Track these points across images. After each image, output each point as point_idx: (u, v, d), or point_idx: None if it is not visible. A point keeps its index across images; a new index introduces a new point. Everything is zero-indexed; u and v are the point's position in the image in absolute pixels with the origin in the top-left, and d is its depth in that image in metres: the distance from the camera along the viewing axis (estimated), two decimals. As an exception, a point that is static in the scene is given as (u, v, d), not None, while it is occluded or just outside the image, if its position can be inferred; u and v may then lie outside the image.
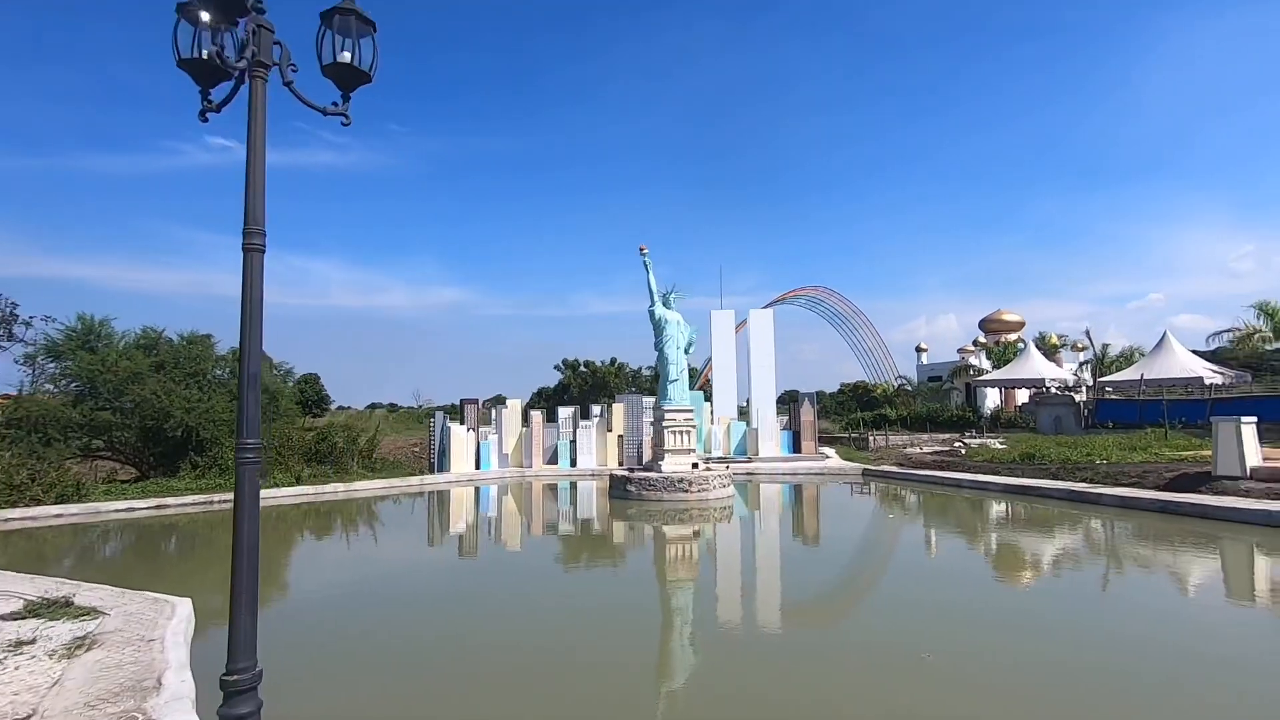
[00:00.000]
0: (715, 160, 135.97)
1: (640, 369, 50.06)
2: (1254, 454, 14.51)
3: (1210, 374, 29.49)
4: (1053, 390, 34.70)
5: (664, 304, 19.01)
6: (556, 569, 11.59)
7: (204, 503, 17.91)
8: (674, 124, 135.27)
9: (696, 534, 13.80)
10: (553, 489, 22.55)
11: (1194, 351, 34.01)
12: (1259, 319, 29.32)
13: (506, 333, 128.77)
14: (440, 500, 20.22)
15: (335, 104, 4.18)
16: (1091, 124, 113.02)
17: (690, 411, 18.79)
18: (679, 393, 18.73)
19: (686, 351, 19.10)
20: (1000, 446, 27.42)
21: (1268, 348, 29.31)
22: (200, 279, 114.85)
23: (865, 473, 24.09)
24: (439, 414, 25.88)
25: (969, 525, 15.25)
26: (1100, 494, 15.43)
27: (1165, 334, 31.68)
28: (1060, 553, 11.55)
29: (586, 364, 44.72)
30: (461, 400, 27.03)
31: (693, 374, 31.08)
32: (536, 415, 27.21)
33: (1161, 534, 12.55)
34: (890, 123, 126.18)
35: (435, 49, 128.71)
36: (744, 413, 30.03)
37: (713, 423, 28.93)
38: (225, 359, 24.67)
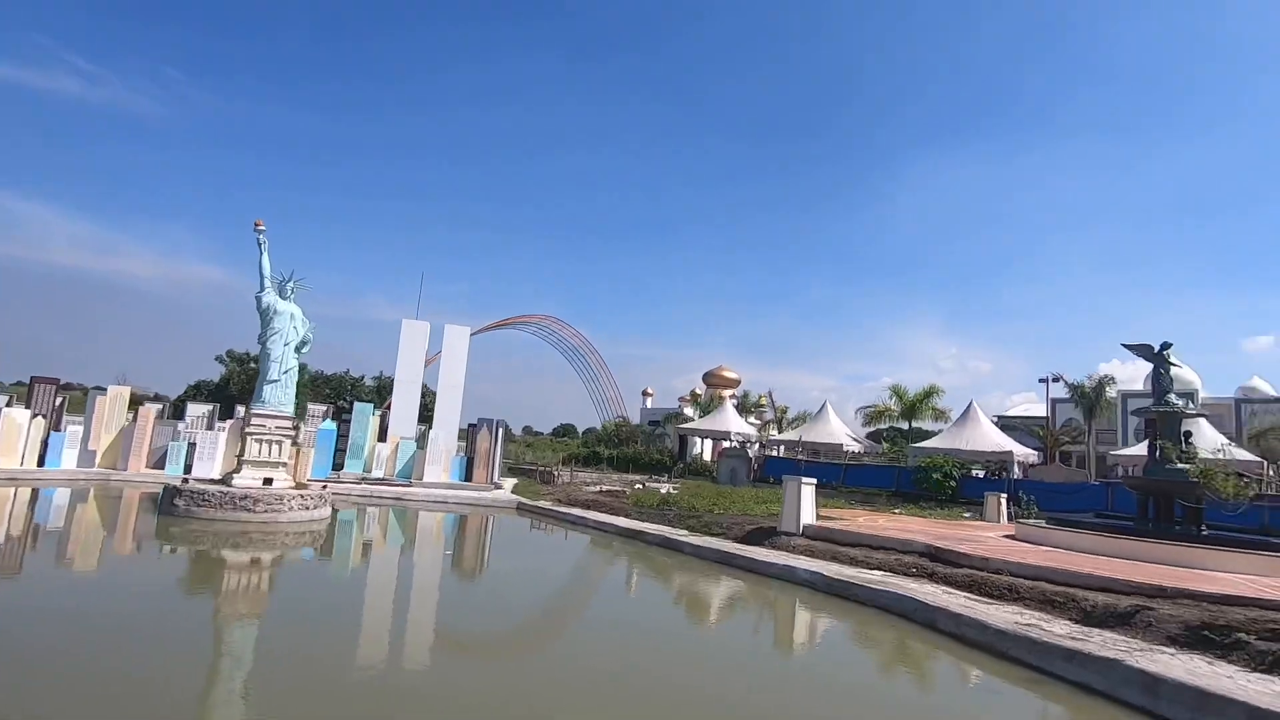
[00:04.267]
0: (523, 204, 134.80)
1: (348, 372, 45.60)
2: (809, 513, 15.71)
3: (851, 442, 33.59)
4: (735, 444, 37.36)
5: (279, 292, 16.46)
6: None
7: None
8: (496, 148, 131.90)
9: (253, 563, 11.39)
10: (148, 499, 18.35)
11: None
12: (891, 399, 34.23)
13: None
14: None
15: None
16: (850, 228, 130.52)
17: (287, 420, 16.26)
18: (278, 395, 16.15)
19: (299, 351, 16.65)
20: (671, 491, 28.45)
21: (893, 425, 34.23)
22: None
23: (519, 506, 23.22)
24: (-10, 391, 20.22)
25: (537, 561, 14.78)
26: (682, 542, 15.74)
27: (825, 404, 35.80)
28: (580, 588, 11.10)
29: (255, 358, 39.35)
30: (32, 378, 21.53)
31: (381, 389, 28.32)
32: (149, 409, 22.57)
33: (690, 582, 12.89)
34: (694, 197, 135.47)
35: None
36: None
37: (380, 440, 26.39)
38: None
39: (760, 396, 54.62)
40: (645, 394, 53.89)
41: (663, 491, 28.74)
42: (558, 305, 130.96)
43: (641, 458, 41.91)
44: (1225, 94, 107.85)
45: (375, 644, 8.09)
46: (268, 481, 15.28)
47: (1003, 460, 27.76)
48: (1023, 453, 28.76)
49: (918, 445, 30.42)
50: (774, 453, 41.25)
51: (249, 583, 10.64)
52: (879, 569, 12.78)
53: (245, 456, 15.57)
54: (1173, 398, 16.18)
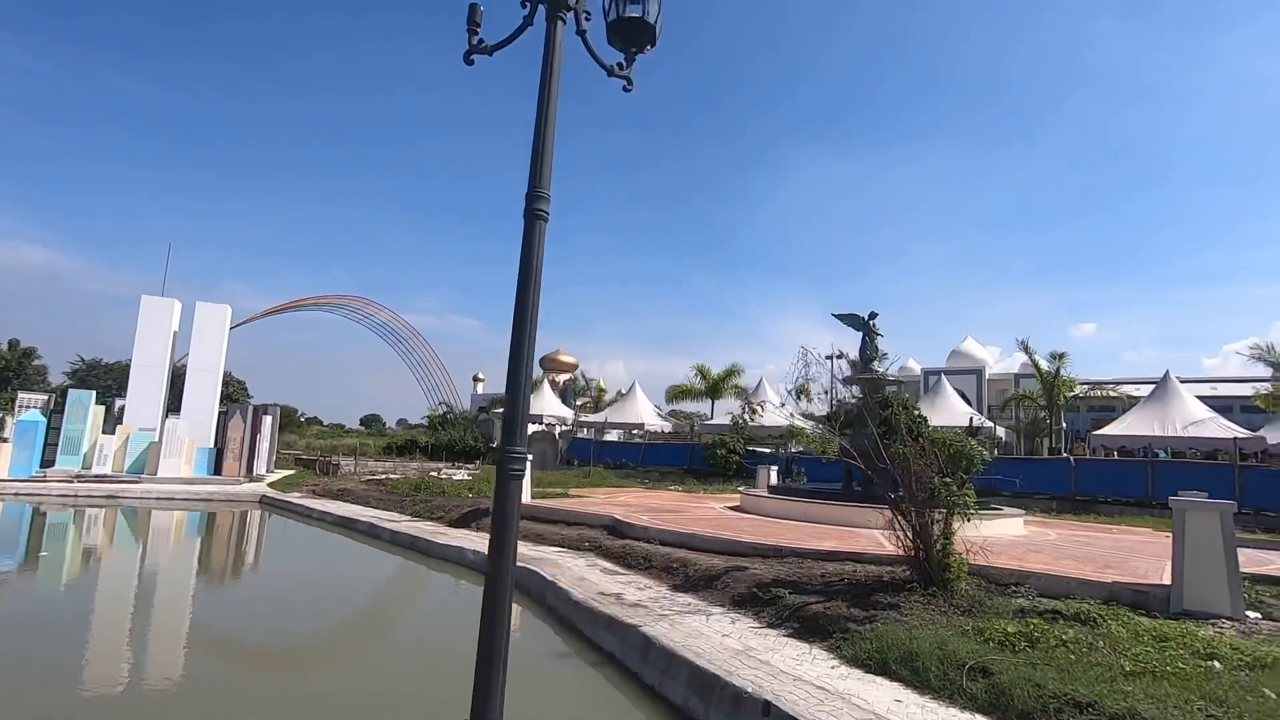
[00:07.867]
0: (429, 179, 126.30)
1: (114, 362, 40.49)
2: (525, 493, 15.03)
3: (657, 420, 33.75)
4: (544, 428, 36.61)
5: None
6: None
7: None
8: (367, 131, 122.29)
9: None
10: None
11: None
12: (696, 378, 34.70)
13: (123, 316, 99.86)
14: None
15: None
16: (727, 218, 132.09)
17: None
18: None
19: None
20: (465, 478, 27.20)
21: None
22: None
23: (263, 500, 21.19)
24: None
25: (194, 556, 13.19)
26: (383, 528, 14.67)
27: (634, 384, 35.78)
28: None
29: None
30: None
31: (178, 379, 24.49)
32: None
33: (351, 566, 11.93)
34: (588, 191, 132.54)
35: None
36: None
37: (106, 431, 23.18)
38: None
39: (600, 381, 54.38)
40: (476, 379, 51.95)
41: (457, 479, 27.45)
42: (454, 293, 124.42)
43: (458, 444, 40.31)
44: (1050, 109, 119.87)
45: None
46: None
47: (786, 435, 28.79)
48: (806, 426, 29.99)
49: (710, 424, 31.02)
50: (611, 437, 40.70)
51: None
52: (559, 545, 12.28)
53: None
54: (876, 365, 16.88)
